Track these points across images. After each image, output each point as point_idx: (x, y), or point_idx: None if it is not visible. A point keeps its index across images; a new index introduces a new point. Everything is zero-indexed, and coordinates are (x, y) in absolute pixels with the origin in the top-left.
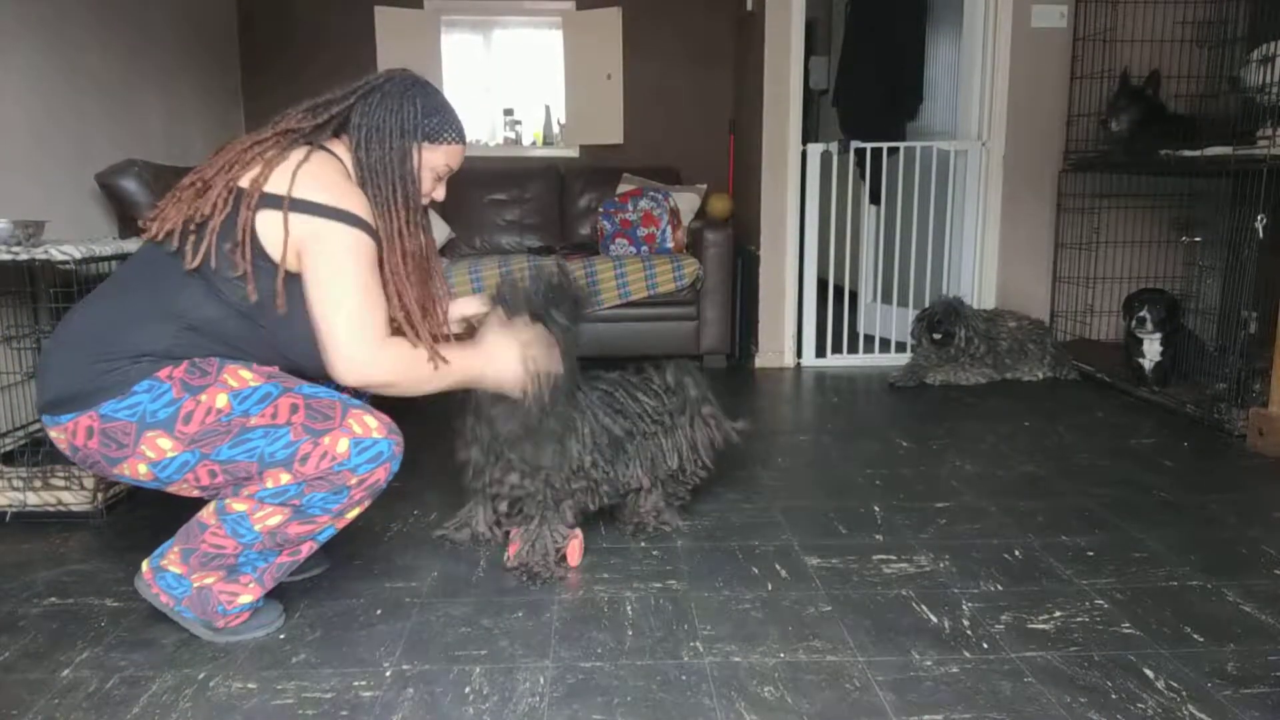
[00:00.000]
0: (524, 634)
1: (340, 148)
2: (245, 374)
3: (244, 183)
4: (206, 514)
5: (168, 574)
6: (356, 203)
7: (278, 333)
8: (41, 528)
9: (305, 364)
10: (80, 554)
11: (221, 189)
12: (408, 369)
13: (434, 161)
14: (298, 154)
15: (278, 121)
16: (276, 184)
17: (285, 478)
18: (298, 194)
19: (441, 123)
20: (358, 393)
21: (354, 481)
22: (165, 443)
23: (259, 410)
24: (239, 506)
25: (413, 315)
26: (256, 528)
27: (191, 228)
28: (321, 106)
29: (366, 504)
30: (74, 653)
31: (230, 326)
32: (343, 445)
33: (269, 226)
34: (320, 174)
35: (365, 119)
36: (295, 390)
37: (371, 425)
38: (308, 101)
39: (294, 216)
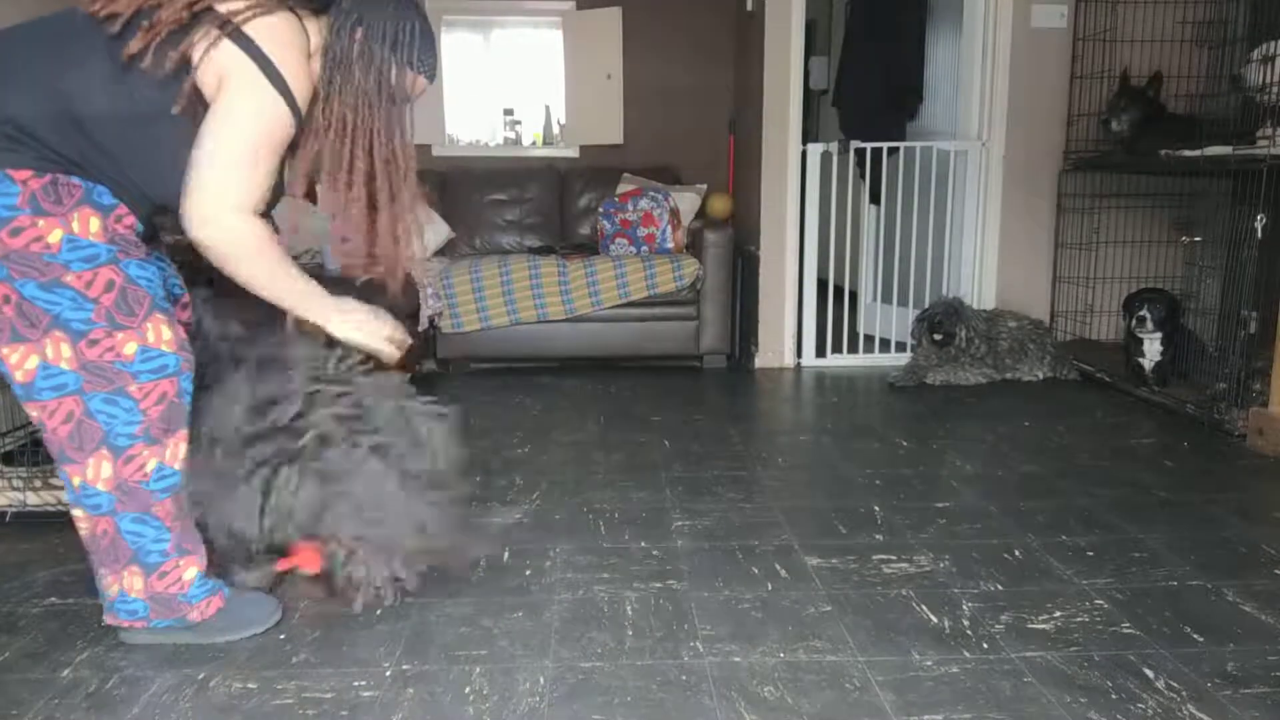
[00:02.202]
0: (524, 634)
1: (313, 24)
2: (94, 223)
3: (219, 7)
4: (77, 521)
5: (115, 602)
6: (298, 76)
7: (154, 151)
8: (41, 528)
9: (166, 192)
10: (80, 554)
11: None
12: (251, 246)
13: (414, 88)
14: (274, 4)
15: None
16: (234, 9)
17: (67, 351)
18: (250, 31)
19: (431, 56)
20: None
21: (134, 389)
22: None
23: (80, 269)
24: (74, 480)
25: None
26: (99, 486)
27: (143, 21)
28: None
29: (183, 434)
30: (74, 653)
31: (110, 131)
32: (130, 348)
33: (209, 50)
34: (282, 32)
35: (365, 11)
36: (122, 265)
37: (165, 336)
38: None
39: (234, 48)
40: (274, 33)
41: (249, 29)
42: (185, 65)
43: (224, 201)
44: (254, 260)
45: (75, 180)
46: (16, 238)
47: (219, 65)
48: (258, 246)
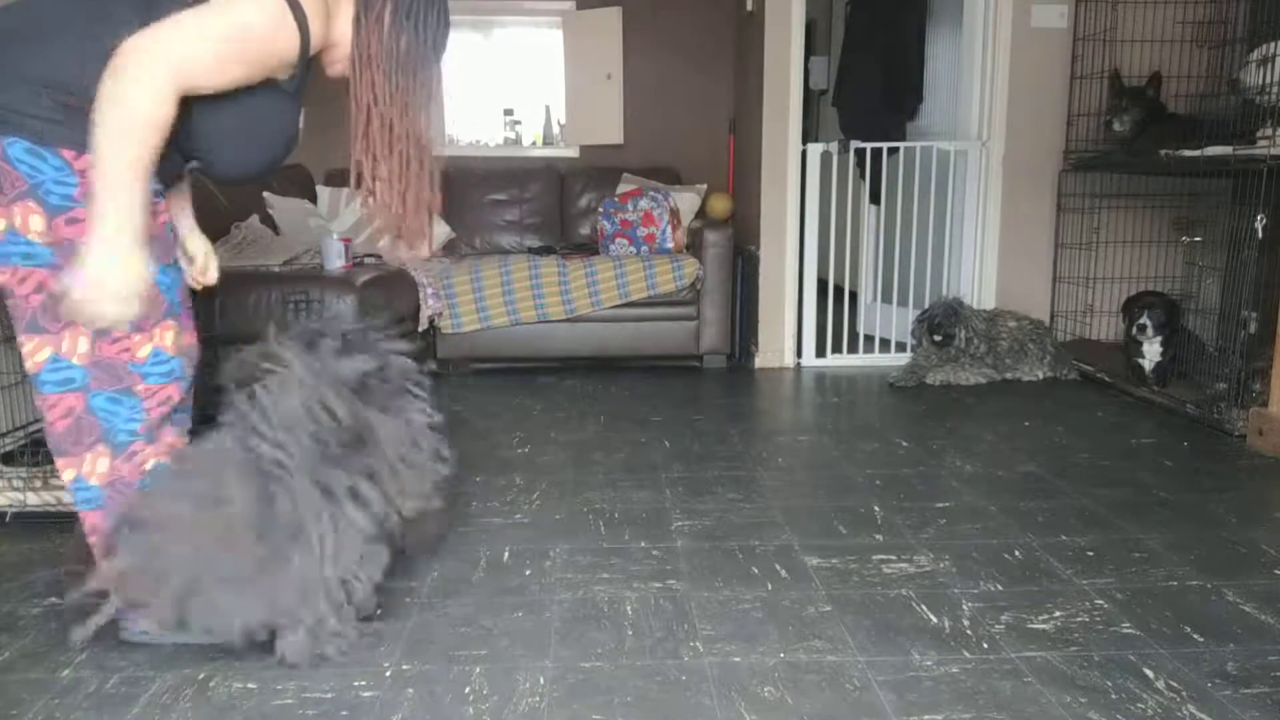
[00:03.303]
0: (524, 634)
1: None
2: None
3: None
4: (82, 520)
5: None
6: (316, 15)
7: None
8: (41, 528)
9: (202, 148)
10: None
11: None
12: (143, 116)
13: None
14: None
15: None
16: None
17: (84, 346)
18: None
19: (446, 40)
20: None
21: (141, 388)
22: (37, 222)
23: None
24: (67, 474)
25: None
26: (94, 482)
27: None
28: None
29: (187, 427)
30: (74, 653)
31: None
32: (144, 350)
33: None
34: None
35: None
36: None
37: (168, 341)
38: None
39: None
40: None
41: None
42: None
43: (179, 66)
44: (130, 127)
45: None
46: (72, 227)
47: None
48: (148, 121)
